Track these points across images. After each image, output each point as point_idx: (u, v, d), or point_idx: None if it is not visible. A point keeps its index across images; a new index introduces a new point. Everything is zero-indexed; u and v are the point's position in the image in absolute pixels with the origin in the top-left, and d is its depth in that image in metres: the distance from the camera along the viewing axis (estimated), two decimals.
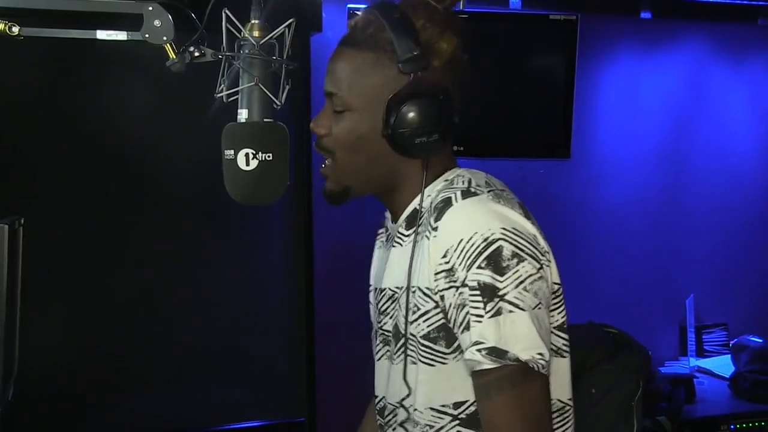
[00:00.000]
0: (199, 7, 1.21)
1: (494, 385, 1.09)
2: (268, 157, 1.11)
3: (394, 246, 1.28)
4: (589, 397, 1.48)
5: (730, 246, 3.19)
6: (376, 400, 1.36)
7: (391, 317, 1.27)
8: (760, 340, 2.92)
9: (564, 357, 1.22)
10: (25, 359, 1.71)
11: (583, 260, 2.94)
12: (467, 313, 1.10)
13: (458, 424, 1.19)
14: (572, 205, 2.93)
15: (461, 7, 2.60)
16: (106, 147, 2.31)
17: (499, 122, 2.64)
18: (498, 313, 1.08)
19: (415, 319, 1.18)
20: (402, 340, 1.22)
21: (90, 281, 2.31)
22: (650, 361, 1.94)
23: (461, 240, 1.10)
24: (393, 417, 1.29)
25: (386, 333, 1.29)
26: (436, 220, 1.14)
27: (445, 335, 1.16)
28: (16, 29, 1.22)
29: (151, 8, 1.20)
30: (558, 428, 1.23)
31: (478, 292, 1.09)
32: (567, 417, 1.24)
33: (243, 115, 1.14)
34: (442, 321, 1.15)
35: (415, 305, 1.18)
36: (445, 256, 1.12)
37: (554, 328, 1.20)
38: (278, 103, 1.15)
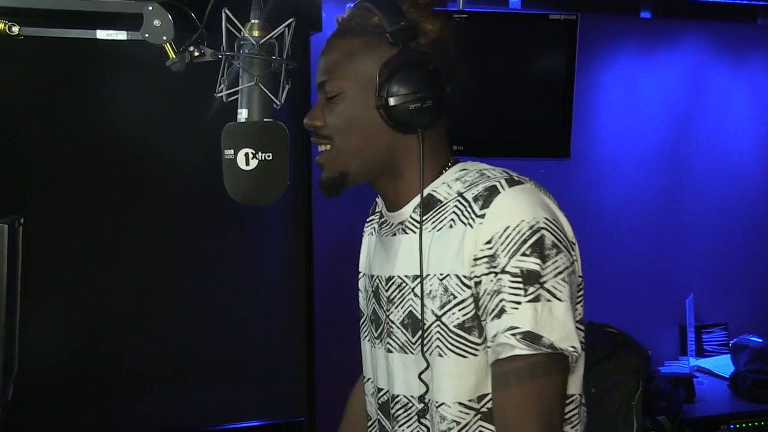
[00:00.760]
0: (199, 6, 1.21)
1: (514, 374, 1.09)
2: (268, 156, 1.11)
3: (405, 233, 1.26)
4: (589, 397, 1.48)
5: (730, 246, 3.19)
6: (380, 394, 1.34)
7: (400, 306, 1.25)
8: (760, 340, 2.92)
9: (584, 351, 1.22)
10: (25, 359, 1.71)
11: (583, 260, 2.93)
12: (502, 299, 1.11)
13: (480, 419, 1.18)
14: (572, 205, 2.90)
15: (461, 7, 2.61)
16: (106, 147, 2.32)
17: (499, 122, 2.63)
18: (537, 299, 1.09)
19: (450, 309, 1.17)
20: (414, 330, 1.21)
21: (90, 281, 2.31)
22: (650, 361, 1.95)
23: (507, 227, 1.11)
24: (405, 411, 1.27)
25: (393, 323, 1.27)
26: (482, 207, 1.14)
27: (478, 324, 1.15)
28: (16, 29, 1.22)
29: (150, 8, 1.20)
30: (576, 421, 1.22)
31: (519, 279, 1.10)
32: (582, 411, 1.24)
33: (243, 114, 1.14)
34: (475, 309, 1.15)
35: (451, 294, 1.17)
36: (489, 242, 1.12)
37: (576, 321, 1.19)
38: (278, 102, 1.15)
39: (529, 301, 1.09)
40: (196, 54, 1.22)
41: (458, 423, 1.18)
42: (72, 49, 2.22)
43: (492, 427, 1.16)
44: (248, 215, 2.47)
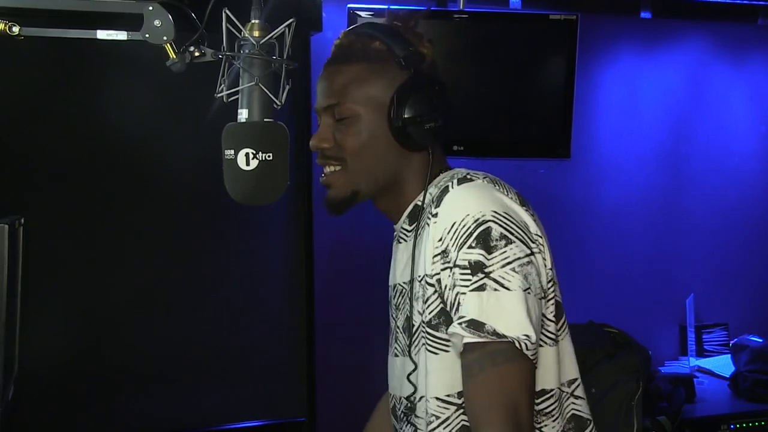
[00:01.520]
0: (199, 7, 1.21)
1: (476, 363, 1.11)
2: (268, 156, 1.11)
3: (399, 242, 1.33)
4: (589, 397, 1.49)
5: (730, 246, 3.19)
6: (391, 397, 1.39)
7: (402, 312, 1.31)
8: (760, 340, 2.92)
9: (557, 344, 1.23)
10: (25, 359, 1.71)
11: (583, 260, 2.95)
12: (457, 292, 1.15)
13: (462, 413, 1.20)
14: (572, 205, 2.93)
15: (461, 7, 2.61)
16: (107, 147, 2.31)
17: (499, 122, 2.63)
18: (481, 288, 1.12)
19: (423, 308, 1.22)
20: (409, 334, 1.25)
21: (90, 281, 2.31)
22: (650, 361, 1.95)
23: (454, 223, 1.16)
24: (401, 412, 1.32)
25: (398, 329, 1.33)
26: (436, 207, 1.20)
27: (445, 320, 1.19)
28: (16, 29, 1.22)
29: (151, 8, 1.20)
30: (557, 414, 1.23)
31: (468, 271, 1.13)
32: (564, 402, 1.25)
33: (243, 114, 1.14)
34: (441, 306, 1.19)
35: (423, 294, 1.21)
36: (440, 240, 1.17)
37: (546, 315, 1.21)
38: (278, 102, 1.15)
39: (473, 290, 1.13)
40: (197, 54, 1.23)
41: (437, 417, 1.22)
42: (72, 49, 2.22)
43: None
44: (248, 215, 2.47)
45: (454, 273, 1.15)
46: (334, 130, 1.28)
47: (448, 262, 1.16)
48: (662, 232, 3.11)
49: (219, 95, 1.16)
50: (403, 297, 1.30)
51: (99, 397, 2.33)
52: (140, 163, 2.35)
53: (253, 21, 1.15)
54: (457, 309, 1.14)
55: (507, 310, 1.11)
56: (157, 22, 1.21)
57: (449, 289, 1.16)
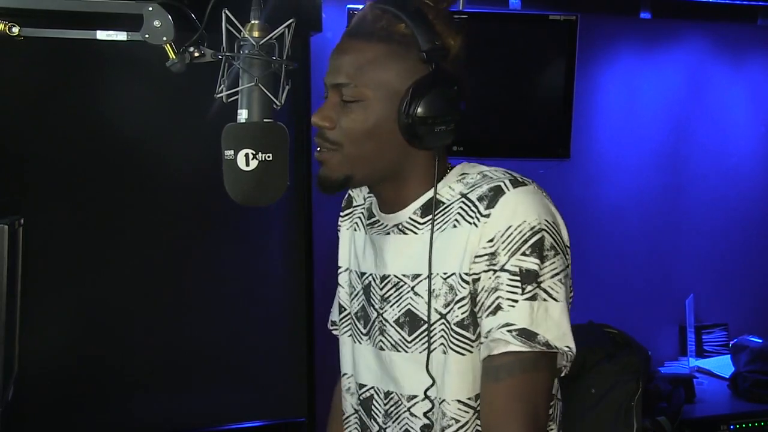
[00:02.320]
0: (198, 7, 1.21)
1: (505, 368, 1.11)
2: (268, 157, 1.11)
3: (404, 233, 1.26)
4: (589, 397, 1.48)
5: (729, 246, 3.19)
6: (361, 390, 1.34)
7: (395, 305, 1.26)
8: (760, 340, 2.93)
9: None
10: (25, 359, 1.71)
11: (582, 260, 2.92)
12: (498, 296, 1.13)
13: (478, 417, 1.19)
14: (572, 206, 2.92)
15: (461, 7, 2.61)
16: (107, 147, 2.32)
17: (499, 122, 2.64)
18: (534, 298, 1.12)
19: (451, 307, 1.19)
20: (423, 328, 1.22)
21: (90, 281, 2.32)
22: (650, 362, 1.94)
23: (510, 226, 1.14)
24: (395, 407, 1.28)
25: (386, 321, 1.27)
26: (488, 207, 1.16)
27: (474, 321, 1.17)
28: (16, 29, 1.22)
29: (150, 8, 1.20)
30: (556, 417, 1.25)
31: (518, 278, 1.12)
32: (557, 406, 1.26)
33: (243, 115, 1.14)
34: (472, 306, 1.17)
35: (454, 292, 1.18)
36: (491, 241, 1.14)
37: None
38: (278, 103, 1.15)
39: (526, 300, 1.11)
40: (196, 54, 1.23)
41: (457, 421, 1.19)
42: (72, 49, 2.22)
43: None
44: (248, 215, 2.47)
45: (499, 277, 1.13)
46: (338, 110, 1.20)
47: (494, 265, 1.13)
48: (662, 233, 3.11)
49: (218, 96, 1.15)
50: (398, 289, 1.25)
51: (99, 398, 2.34)
52: (140, 163, 2.35)
53: (252, 21, 1.15)
54: (494, 313, 1.12)
55: (555, 322, 1.12)
56: (156, 23, 1.21)
57: (487, 292, 1.14)
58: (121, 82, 2.30)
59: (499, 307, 1.12)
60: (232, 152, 1.11)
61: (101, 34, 1.24)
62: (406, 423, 1.26)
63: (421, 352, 1.22)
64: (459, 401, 1.19)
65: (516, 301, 1.12)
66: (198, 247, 2.44)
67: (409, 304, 1.24)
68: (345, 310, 1.39)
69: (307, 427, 2.46)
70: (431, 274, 1.20)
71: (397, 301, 1.26)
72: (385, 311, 1.27)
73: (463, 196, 1.21)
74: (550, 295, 1.12)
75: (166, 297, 2.40)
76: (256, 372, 2.51)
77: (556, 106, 2.62)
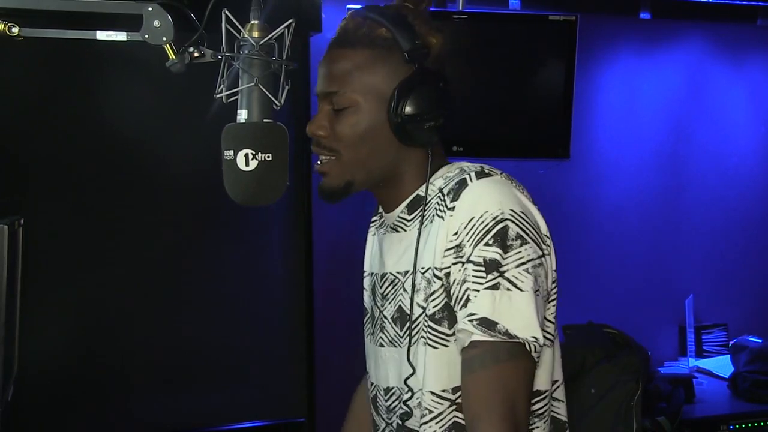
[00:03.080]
0: (198, 7, 1.21)
1: (479, 359, 1.11)
2: (268, 157, 1.11)
3: (395, 231, 1.30)
4: (589, 397, 1.48)
5: (729, 246, 3.19)
6: (371, 387, 1.38)
7: (392, 302, 1.29)
8: (760, 341, 2.92)
9: (549, 347, 1.24)
10: (25, 359, 1.71)
11: (582, 260, 2.95)
12: (467, 288, 1.14)
13: (455, 409, 1.20)
14: (571, 206, 2.93)
15: (461, 7, 2.61)
16: (106, 148, 2.32)
17: (499, 122, 2.64)
18: (495, 287, 1.12)
19: (430, 301, 1.20)
20: (408, 323, 1.24)
21: (90, 281, 2.31)
22: (650, 362, 1.94)
23: (472, 218, 1.15)
24: (397, 400, 1.29)
25: (386, 318, 1.30)
26: (453, 200, 1.18)
27: (448, 315, 1.18)
28: (16, 29, 1.23)
29: (150, 9, 1.20)
30: (547, 416, 1.24)
31: (482, 268, 1.13)
32: (549, 403, 1.26)
33: (242, 115, 1.14)
34: (445, 300, 1.18)
35: (430, 286, 1.20)
36: (456, 234, 1.16)
37: (547, 316, 1.22)
38: (278, 103, 1.15)
39: (487, 288, 1.12)
40: (196, 55, 1.23)
41: (431, 412, 1.21)
42: (72, 50, 2.21)
43: None
44: (248, 215, 2.47)
45: (466, 269, 1.14)
46: (331, 117, 1.25)
47: (461, 257, 1.15)
48: (661, 233, 3.11)
49: (218, 96, 1.15)
50: (394, 287, 1.28)
51: (98, 398, 2.34)
52: (140, 163, 2.35)
53: (252, 22, 1.15)
54: (465, 305, 1.13)
55: (519, 311, 1.11)
56: (156, 23, 1.21)
57: (458, 284, 1.15)
58: (120, 83, 2.30)
59: (468, 299, 1.13)
60: (231, 152, 1.11)
61: (101, 35, 1.24)
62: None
63: (403, 347, 1.25)
64: (433, 393, 1.21)
65: (478, 290, 1.13)
66: (198, 247, 2.44)
67: (400, 300, 1.27)
68: (368, 312, 1.42)
69: (307, 427, 2.46)
70: (416, 270, 1.22)
71: (393, 298, 1.29)
72: (385, 308, 1.31)
73: (440, 190, 1.23)
74: (514, 285, 1.12)
75: (166, 297, 2.40)
76: (256, 372, 2.51)
77: (555, 106, 2.62)
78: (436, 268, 1.18)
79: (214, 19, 1.17)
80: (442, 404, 1.20)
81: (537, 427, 1.23)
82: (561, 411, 1.28)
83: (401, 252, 1.28)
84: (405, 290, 1.25)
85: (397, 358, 1.28)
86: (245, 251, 2.50)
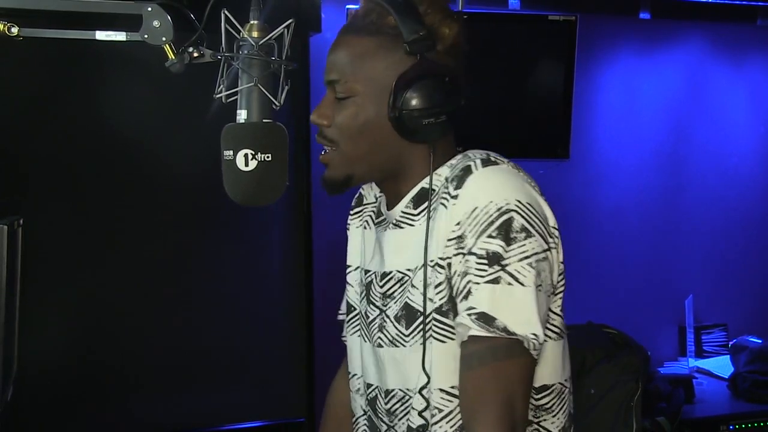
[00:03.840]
0: (198, 7, 1.21)
1: (477, 356, 1.08)
2: (268, 157, 1.11)
3: (399, 228, 1.25)
4: (588, 397, 1.48)
5: (729, 246, 3.19)
6: (369, 390, 1.32)
7: (398, 300, 1.24)
8: (760, 341, 2.92)
9: (562, 338, 1.21)
10: (25, 359, 1.71)
11: (582, 260, 2.94)
12: (468, 281, 1.10)
13: None
14: (571, 206, 2.93)
15: (460, 8, 2.61)
16: (106, 148, 2.32)
17: (499, 122, 2.64)
18: (496, 281, 1.08)
19: (436, 294, 1.16)
20: (415, 321, 1.19)
21: (90, 281, 2.32)
22: (649, 362, 1.94)
23: (476, 208, 1.10)
24: (402, 404, 1.25)
25: (388, 318, 1.25)
26: (456, 188, 1.14)
27: (453, 307, 1.14)
28: (15, 29, 1.22)
29: (150, 9, 1.20)
30: (557, 409, 1.22)
31: (484, 261, 1.09)
32: (564, 398, 1.23)
33: (242, 115, 1.14)
34: (450, 291, 1.14)
35: (436, 278, 1.16)
36: (458, 224, 1.12)
37: (553, 309, 1.19)
38: (277, 103, 1.15)
39: (488, 282, 1.08)
40: (195, 55, 1.22)
41: (440, 410, 1.17)
42: (71, 50, 2.22)
43: None
44: (248, 216, 2.47)
45: (468, 260, 1.10)
46: (334, 106, 1.21)
47: (463, 248, 1.11)
48: (661, 233, 3.11)
49: (218, 96, 1.15)
50: (402, 284, 1.23)
51: (98, 398, 2.34)
52: (139, 163, 2.35)
53: (252, 22, 1.15)
54: (466, 298, 1.10)
55: (519, 307, 1.08)
56: (155, 23, 1.20)
57: (459, 276, 1.11)
58: (120, 83, 2.30)
59: (469, 292, 1.10)
60: (231, 152, 1.11)
61: (100, 35, 1.24)
62: (408, 419, 1.24)
63: (421, 344, 1.19)
64: (442, 390, 1.16)
65: (478, 284, 1.09)
66: (198, 246, 2.44)
67: (407, 297, 1.22)
68: (354, 309, 1.37)
69: (307, 427, 2.45)
70: (426, 264, 1.17)
71: (400, 296, 1.24)
72: (389, 307, 1.25)
73: (446, 179, 1.19)
74: (516, 279, 1.08)
75: (165, 297, 2.40)
76: (256, 372, 2.51)
77: (555, 106, 2.62)
78: (440, 259, 1.14)
79: (213, 19, 1.17)
80: (452, 401, 1.16)
81: (545, 420, 1.20)
82: (572, 406, 1.27)
83: (409, 248, 1.22)
84: (413, 286, 1.20)
85: (398, 358, 1.23)
86: (245, 251, 2.50)
